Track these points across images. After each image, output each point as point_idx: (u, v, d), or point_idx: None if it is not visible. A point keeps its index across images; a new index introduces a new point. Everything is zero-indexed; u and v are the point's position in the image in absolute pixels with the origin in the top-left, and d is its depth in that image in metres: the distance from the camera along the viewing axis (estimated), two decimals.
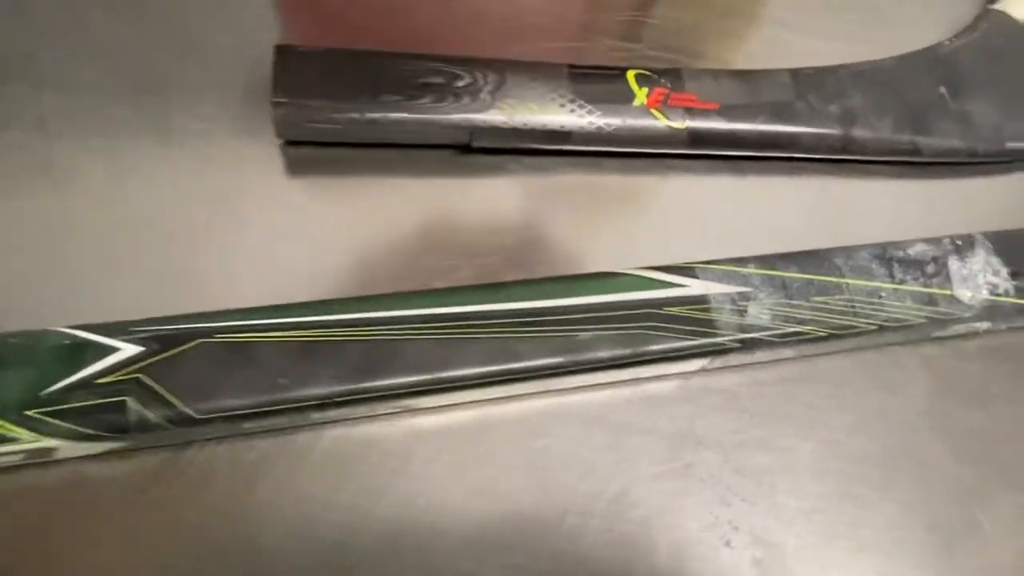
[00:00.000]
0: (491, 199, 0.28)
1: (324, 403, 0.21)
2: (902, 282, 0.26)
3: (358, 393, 0.21)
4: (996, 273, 0.27)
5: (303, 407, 0.21)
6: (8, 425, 0.19)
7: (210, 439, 0.22)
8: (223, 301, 0.22)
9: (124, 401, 0.20)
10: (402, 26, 0.30)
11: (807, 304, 0.25)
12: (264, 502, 0.21)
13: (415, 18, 0.31)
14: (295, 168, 0.27)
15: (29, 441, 0.19)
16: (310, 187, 0.27)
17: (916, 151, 0.30)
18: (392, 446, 0.23)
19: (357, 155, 0.27)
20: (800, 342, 0.25)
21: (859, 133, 0.29)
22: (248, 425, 0.21)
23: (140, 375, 0.20)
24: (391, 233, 0.26)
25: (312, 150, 0.27)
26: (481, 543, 0.22)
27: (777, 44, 0.33)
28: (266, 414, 0.21)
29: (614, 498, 0.23)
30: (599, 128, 0.27)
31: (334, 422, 0.23)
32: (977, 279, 0.26)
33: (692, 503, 0.24)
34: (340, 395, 0.21)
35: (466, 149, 0.28)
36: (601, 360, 0.23)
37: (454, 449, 0.23)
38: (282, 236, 0.25)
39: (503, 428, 0.24)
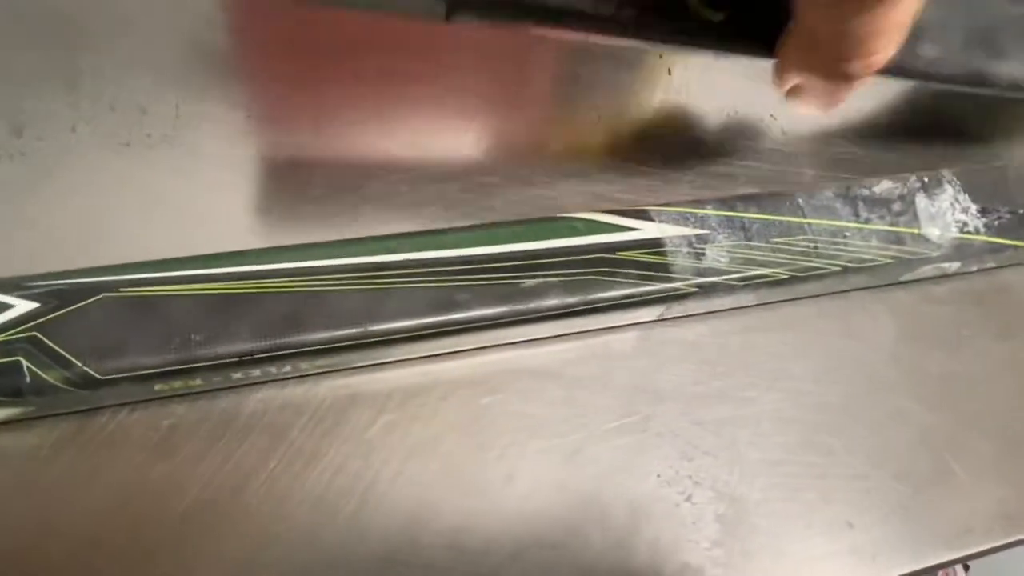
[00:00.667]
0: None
1: (244, 361, 0.19)
2: (867, 221, 0.24)
3: (281, 349, 0.19)
4: (965, 211, 0.25)
5: (220, 365, 0.19)
6: None
7: (122, 405, 0.20)
8: (133, 257, 0.20)
9: (17, 361, 0.18)
10: None
11: (767, 246, 0.23)
12: (183, 471, 0.20)
13: None
14: (197, 115, 0.25)
15: None
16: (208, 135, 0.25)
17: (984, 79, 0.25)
18: (324, 408, 0.21)
19: None
20: (761, 285, 0.23)
21: (926, 51, 0.24)
22: (160, 387, 0.19)
23: (36, 332, 0.18)
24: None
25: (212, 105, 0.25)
26: (420, 509, 0.20)
27: None
28: (179, 373, 0.19)
29: (567, 456, 0.22)
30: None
31: (259, 383, 0.21)
32: (945, 217, 0.25)
33: (651, 458, 0.22)
34: (261, 351, 0.19)
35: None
36: (549, 308, 0.21)
37: (391, 409, 0.21)
38: (197, 185, 0.24)
39: (445, 385, 0.22)
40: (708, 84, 0.29)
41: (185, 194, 0.23)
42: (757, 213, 0.24)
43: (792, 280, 0.23)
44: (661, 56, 0.29)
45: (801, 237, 0.24)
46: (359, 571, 0.19)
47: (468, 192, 0.25)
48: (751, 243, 0.23)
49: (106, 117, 0.24)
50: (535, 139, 0.27)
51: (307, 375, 0.21)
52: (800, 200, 0.24)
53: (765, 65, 0.23)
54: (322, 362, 0.21)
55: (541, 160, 0.26)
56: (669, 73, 0.29)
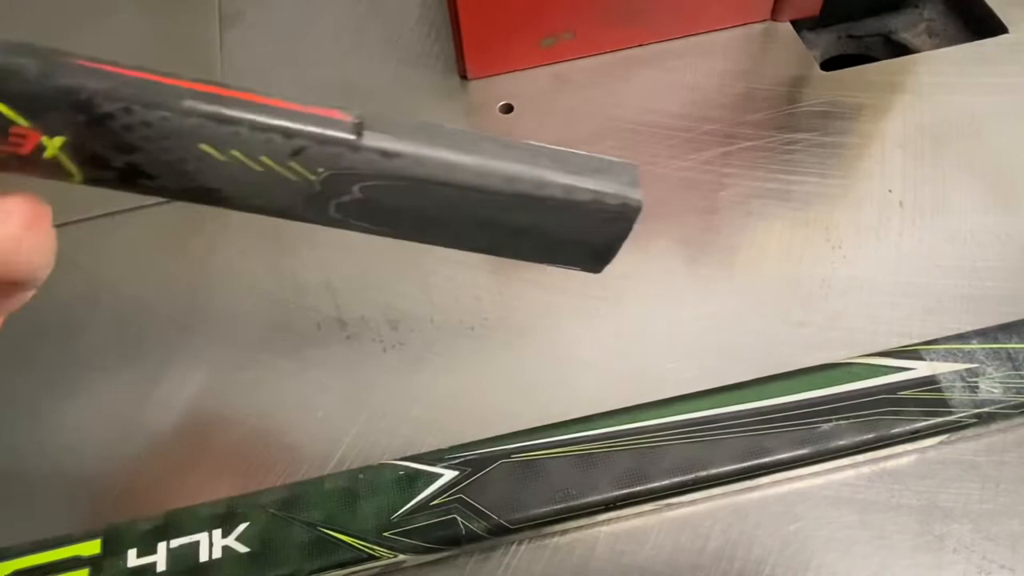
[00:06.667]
0: None
1: (606, 506, 0.25)
2: None
3: (632, 496, 0.25)
4: None
5: (590, 511, 0.25)
6: (372, 546, 0.24)
7: (513, 541, 0.26)
8: (496, 422, 0.26)
9: (454, 518, 0.24)
10: None
11: None
12: None
13: None
14: None
15: (387, 558, 0.24)
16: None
17: None
18: (660, 536, 0.26)
19: None
20: None
21: None
22: (547, 529, 0.25)
23: (461, 495, 0.24)
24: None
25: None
26: None
27: None
28: (563, 519, 0.24)
29: (874, 574, 0.25)
30: None
31: (609, 521, 0.26)
32: None
33: (950, 574, 0.25)
34: (618, 499, 0.25)
35: None
36: (844, 448, 0.25)
37: (716, 537, 0.26)
38: (526, 358, 0.30)
39: (756, 515, 0.26)
40: None
41: (517, 366, 0.30)
42: (1020, 343, 0.27)
43: None
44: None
45: None
46: None
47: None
48: (1020, 372, 0.26)
49: (453, 308, 0.31)
50: None
51: (648, 512, 0.26)
52: None
53: None
54: (660, 503, 0.26)
55: None
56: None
